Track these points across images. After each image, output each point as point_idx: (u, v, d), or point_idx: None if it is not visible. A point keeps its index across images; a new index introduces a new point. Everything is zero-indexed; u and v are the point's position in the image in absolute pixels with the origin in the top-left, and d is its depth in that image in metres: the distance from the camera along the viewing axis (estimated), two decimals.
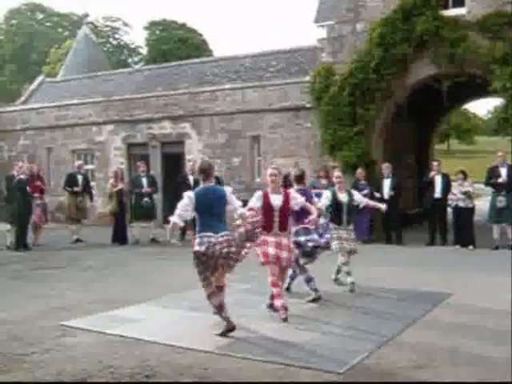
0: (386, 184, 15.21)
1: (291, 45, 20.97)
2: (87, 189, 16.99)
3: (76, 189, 16.45)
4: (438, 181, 14.94)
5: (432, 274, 10.80)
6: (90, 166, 22.05)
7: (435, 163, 15.45)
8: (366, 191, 15.08)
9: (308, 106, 17.35)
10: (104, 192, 18.47)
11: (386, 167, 15.34)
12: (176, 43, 56.01)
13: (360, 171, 15.38)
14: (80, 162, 18.32)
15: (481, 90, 16.61)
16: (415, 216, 18.91)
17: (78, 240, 16.19)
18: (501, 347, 6.34)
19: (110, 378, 5.56)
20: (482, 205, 16.80)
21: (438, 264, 12.05)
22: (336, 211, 9.45)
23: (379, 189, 15.23)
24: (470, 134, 71.90)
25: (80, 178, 16.72)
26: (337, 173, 9.91)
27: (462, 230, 14.31)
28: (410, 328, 7.21)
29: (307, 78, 17.30)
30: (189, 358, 6.14)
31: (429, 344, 6.50)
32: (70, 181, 16.65)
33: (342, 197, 9.46)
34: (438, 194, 14.85)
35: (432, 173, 14.93)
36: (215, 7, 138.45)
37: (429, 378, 5.46)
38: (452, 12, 15.21)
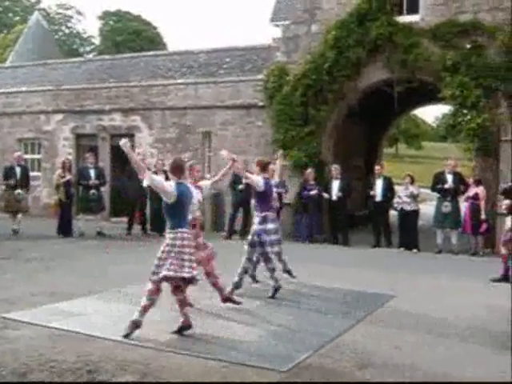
0: (335, 185, 15.34)
1: (246, 42, 20.96)
2: (24, 181, 16.24)
3: (12, 182, 15.84)
4: (379, 184, 15.16)
5: (376, 275, 10.95)
6: (36, 156, 21.64)
7: (377, 167, 15.69)
8: (314, 192, 15.22)
9: (260, 104, 17.38)
10: (50, 182, 18.13)
11: (335, 168, 15.48)
12: (130, 35, 55.41)
13: (309, 171, 15.49)
14: (18, 153, 17.59)
15: (431, 96, 16.92)
16: (362, 218, 19.14)
17: (14, 231, 15.67)
18: (444, 347, 6.48)
19: (50, 373, 5.46)
20: (427, 209, 17.12)
21: (382, 266, 12.22)
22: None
23: (328, 190, 15.35)
24: (418, 139, 73.14)
25: (18, 170, 16.13)
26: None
27: (407, 232, 14.55)
28: (354, 328, 7.29)
29: (260, 77, 17.32)
30: (132, 353, 6.08)
31: (371, 344, 6.58)
32: (7, 173, 16.07)
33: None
34: (378, 197, 15.05)
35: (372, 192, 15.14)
36: (171, 0, 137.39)
37: (371, 377, 5.54)
38: (406, 19, 15.45)
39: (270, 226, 8.86)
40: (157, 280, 6.63)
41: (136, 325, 6.61)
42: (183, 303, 6.86)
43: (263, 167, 9.05)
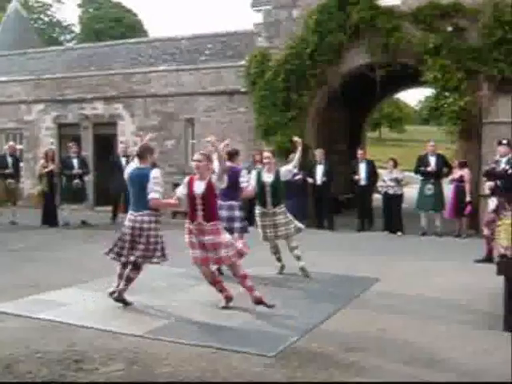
0: (319, 170, 15.37)
1: (227, 28, 20.86)
2: (15, 172, 16.25)
3: (8, 171, 15.83)
4: (363, 168, 15.23)
5: (361, 259, 11.02)
6: (18, 146, 21.42)
7: (360, 151, 15.75)
8: (298, 176, 15.23)
9: (243, 90, 17.33)
10: (33, 173, 18.01)
11: (318, 153, 15.50)
12: (110, 22, 54.93)
13: (293, 156, 15.47)
14: (11, 143, 17.58)
15: (413, 79, 16.95)
16: (346, 202, 19.22)
17: (12, 223, 15.68)
18: (429, 328, 6.55)
19: (37, 363, 5.45)
20: (411, 192, 17.20)
21: (367, 249, 12.29)
22: (260, 193, 9.42)
23: (312, 174, 15.38)
24: (401, 122, 73.40)
25: (10, 160, 16.07)
26: (266, 153, 9.93)
27: (391, 216, 14.65)
28: (340, 311, 7.34)
29: (243, 63, 17.26)
30: (119, 342, 6.08)
31: (357, 327, 6.63)
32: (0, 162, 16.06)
33: (267, 177, 9.44)
34: (362, 181, 15.13)
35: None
36: None
37: (358, 359, 5.59)
38: (387, 2, 15.38)
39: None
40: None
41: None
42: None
43: (231, 157, 9.12)
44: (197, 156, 7.29)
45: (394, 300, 7.94)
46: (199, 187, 7.13)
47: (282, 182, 9.56)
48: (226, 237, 7.21)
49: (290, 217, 9.56)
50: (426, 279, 9.25)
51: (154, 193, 7.17)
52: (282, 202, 9.56)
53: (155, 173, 7.31)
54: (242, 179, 9.14)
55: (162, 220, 7.60)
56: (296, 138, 9.63)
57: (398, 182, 14.52)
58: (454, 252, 11.83)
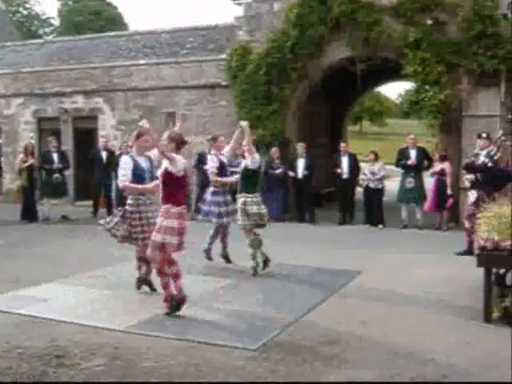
0: (300, 163, 15.39)
1: (208, 22, 20.77)
2: None
3: None
4: (345, 161, 15.27)
5: (343, 252, 11.05)
6: None
7: (342, 144, 15.79)
8: (279, 170, 15.25)
9: (224, 83, 17.27)
10: (12, 167, 17.84)
11: (300, 146, 15.51)
12: (90, 15, 54.48)
13: (274, 150, 15.48)
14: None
15: (393, 73, 17.00)
16: (327, 195, 19.26)
17: None
18: (410, 320, 6.59)
19: (18, 359, 5.41)
20: (392, 185, 17.28)
21: (348, 242, 12.33)
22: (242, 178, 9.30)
23: (293, 168, 15.39)
24: (382, 116, 73.68)
25: None
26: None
27: (372, 209, 14.71)
28: (322, 304, 7.37)
29: (224, 56, 17.20)
30: (100, 337, 6.06)
31: (339, 320, 6.66)
32: None
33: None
34: (345, 174, 15.17)
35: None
36: None
37: (340, 352, 5.61)
38: None
39: None
40: None
41: None
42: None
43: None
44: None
45: (375, 293, 7.98)
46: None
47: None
48: None
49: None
50: (408, 272, 9.30)
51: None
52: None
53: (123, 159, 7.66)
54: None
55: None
56: (243, 122, 9.34)
57: (378, 174, 14.58)
58: (435, 245, 11.90)
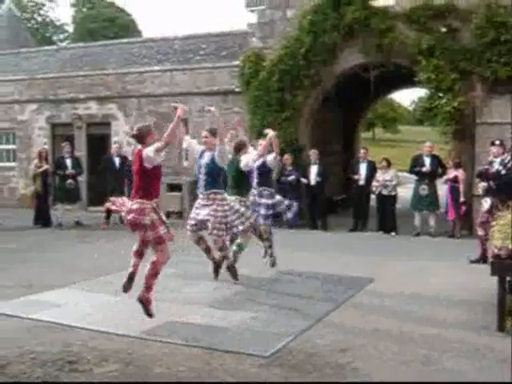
0: (313, 170, 15.37)
1: (221, 28, 20.84)
2: None
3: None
4: (363, 168, 15.24)
5: (355, 259, 11.01)
6: (11, 146, 21.40)
7: (362, 150, 15.75)
8: (292, 177, 15.24)
9: (237, 90, 17.32)
10: (26, 173, 17.94)
11: (313, 153, 15.50)
12: (104, 22, 54.76)
13: (287, 157, 15.47)
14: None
15: (406, 80, 16.97)
16: (340, 202, 19.23)
17: None
18: (423, 328, 6.56)
19: (31, 364, 5.43)
20: (405, 192, 17.23)
21: (361, 249, 12.29)
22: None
23: (306, 175, 15.38)
24: (395, 123, 73.45)
25: None
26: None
27: (385, 216, 14.66)
28: (334, 311, 7.34)
29: (237, 63, 17.25)
30: (114, 343, 6.07)
31: (351, 327, 6.64)
32: None
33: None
34: (362, 181, 15.14)
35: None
36: None
37: (352, 360, 5.59)
38: (381, 2, 15.42)
39: None
40: None
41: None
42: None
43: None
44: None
45: (388, 300, 7.94)
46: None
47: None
48: None
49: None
50: (421, 279, 9.26)
51: None
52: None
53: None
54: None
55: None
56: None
57: (391, 181, 14.53)
58: (448, 252, 11.84)
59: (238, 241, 9.04)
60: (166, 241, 6.62)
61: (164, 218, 6.77)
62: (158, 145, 6.63)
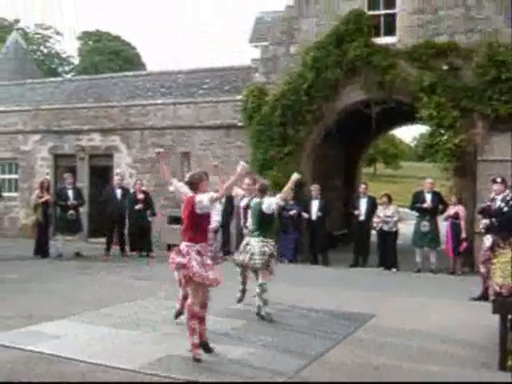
0: (314, 205, 15.38)
1: (225, 63, 21.03)
2: None
3: None
4: (363, 203, 15.25)
5: (356, 294, 10.96)
6: (14, 176, 21.47)
7: (363, 186, 15.78)
8: (294, 211, 15.25)
9: (239, 124, 17.43)
10: (27, 203, 17.97)
11: (314, 188, 15.52)
12: (109, 55, 55.37)
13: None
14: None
15: (408, 116, 17.09)
16: (341, 237, 19.20)
17: None
18: (424, 366, 6.49)
19: None
20: (405, 228, 17.21)
21: (362, 285, 12.24)
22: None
23: (307, 209, 15.38)
24: (396, 159, 73.75)
25: None
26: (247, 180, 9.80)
27: (386, 252, 14.62)
28: (335, 348, 7.28)
29: (240, 97, 17.38)
30: (112, 376, 6.01)
31: (352, 364, 6.58)
32: None
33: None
34: (362, 216, 15.14)
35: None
36: (150, 21, 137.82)
37: None
38: (383, 40, 15.63)
39: None
40: None
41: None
42: None
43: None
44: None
45: (389, 337, 7.89)
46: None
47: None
48: None
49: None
50: (422, 316, 9.20)
51: None
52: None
53: None
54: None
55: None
56: (296, 174, 9.33)
57: (392, 217, 14.52)
58: (449, 289, 11.79)
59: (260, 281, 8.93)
60: (199, 283, 6.66)
61: (209, 261, 6.81)
62: (213, 195, 6.76)
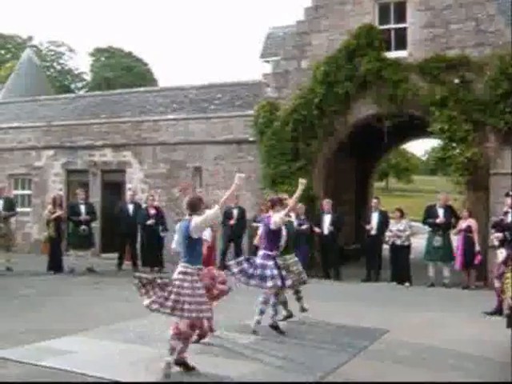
0: (326, 219, 15.33)
1: (236, 78, 21.12)
2: (8, 214, 16.04)
3: None
4: (375, 218, 15.20)
5: (369, 310, 10.90)
6: (27, 192, 21.59)
7: (374, 200, 15.74)
8: (305, 226, 15.19)
9: (251, 139, 17.44)
10: (40, 218, 18.04)
11: (326, 203, 15.48)
12: (121, 71, 55.78)
13: (300, 206, 15.42)
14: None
15: (419, 130, 17.05)
16: (353, 252, 19.11)
17: (8, 269, 15.46)
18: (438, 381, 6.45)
19: None
20: (418, 243, 17.11)
21: (375, 300, 12.16)
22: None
23: (319, 224, 15.34)
24: (408, 173, 73.56)
25: (0, 202, 15.98)
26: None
27: (399, 266, 14.54)
28: (349, 363, 7.23)
29: (251, 112, 17.41)
30: None
31: (368, 379, 6.52)
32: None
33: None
34: (374, 230, 15.08)
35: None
36: (162, 37, 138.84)
37: None
38: (394, 54, 15.63)
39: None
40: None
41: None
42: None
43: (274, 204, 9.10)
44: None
45: (403, 351, 7.83)
46: None
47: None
48: None
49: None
50: (435, 331, 9.12)
51: None
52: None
53: None
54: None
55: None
56: (301, 180, 9.31)
57: (405, 232, 14.45)
58: (463, 304, 11.70)
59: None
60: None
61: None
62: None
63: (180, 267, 6.73)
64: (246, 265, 8.71)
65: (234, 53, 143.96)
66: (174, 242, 7.58)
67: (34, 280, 14.19)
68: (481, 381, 6.23)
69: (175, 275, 6.71)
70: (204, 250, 7.53)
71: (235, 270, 8.66)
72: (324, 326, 9.31)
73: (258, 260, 8.81)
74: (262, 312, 8.72)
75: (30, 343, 7.83)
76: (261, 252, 8.95)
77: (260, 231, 9.62)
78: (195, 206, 6.84)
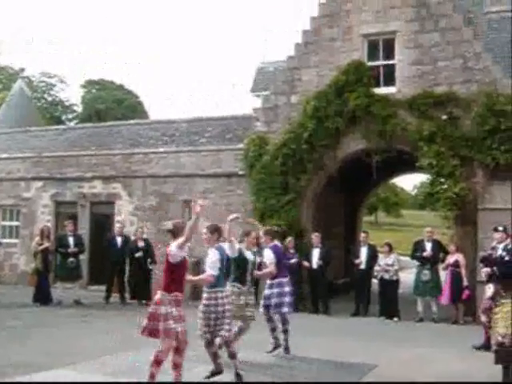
0: (315, 253, 15.33)
1: (227, 112, 21.25)
2: None
3: None
4: (364, 252, 15.23)
5: (358, 344, 10.85)
6: (15, 223, 21.48)
7: (363, 234, 15.78)
8: (294, 260, 15.17)
9: (241, 172, 17.50)
10: (28, 249, 17.94)
11: (315, 237, 15.50)
12: (112, 103, 55.95)
13: (289, 240, 15.43)
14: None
15: (408, 165, 17.17)
16: (342, 285, 19.07)
17: None
18: None
19: None
20: (407, 277, 17.12)
21: (363, 335, 12.12)
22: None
23: (308, 258, 15.33)
24: (397, 207, 73.77)
25: None
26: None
27: (387, 301, 14.52)
28: None
29: (241, 146, 17.50)
30: None
31: None
32: None
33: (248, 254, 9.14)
34: (363, 265, 15.10)
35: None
36: (154, 70, 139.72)
37: None
38: (383, 90, 15.81)
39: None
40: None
41: None
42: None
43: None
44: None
45: None
46: None
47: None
48: None
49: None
50: (424, 366, 9.10)
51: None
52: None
53: None
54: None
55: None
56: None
57: (393, 266, 14.47)
58: (452, 339, 11.69)
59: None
60: (173, 336, 6.72)
61: (181, 313, 6.89)
62: (179, 241, 6.89)
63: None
64: None
65: (224, 86, 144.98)
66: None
67: (22, 312, 14.06)
68: None
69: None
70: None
71: None
72: (313, 361, 9.25)
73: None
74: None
75: (13, 376, 7.73)
76: None
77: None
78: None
